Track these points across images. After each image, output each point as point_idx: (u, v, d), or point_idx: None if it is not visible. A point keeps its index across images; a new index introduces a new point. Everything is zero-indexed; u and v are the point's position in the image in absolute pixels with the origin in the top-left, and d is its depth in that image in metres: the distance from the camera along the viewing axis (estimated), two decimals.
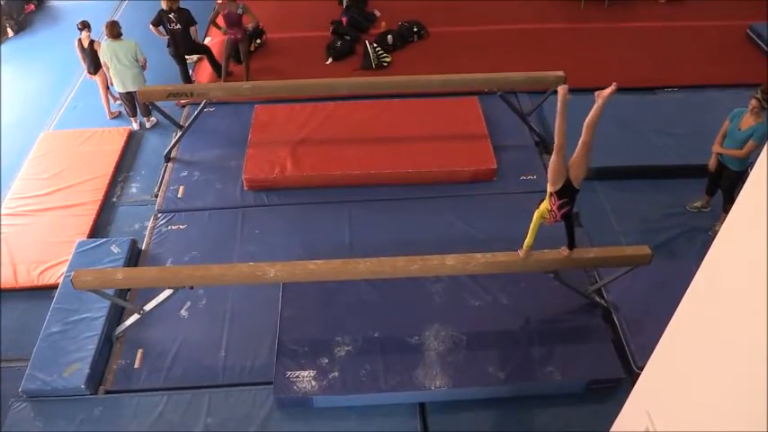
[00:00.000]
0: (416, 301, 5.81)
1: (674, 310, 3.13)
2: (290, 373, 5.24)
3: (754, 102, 5.87)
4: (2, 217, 7.02)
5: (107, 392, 5.40)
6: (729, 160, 6.20)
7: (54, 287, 6.14)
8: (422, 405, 5.26)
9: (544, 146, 7.84)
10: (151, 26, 8.44)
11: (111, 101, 8.71)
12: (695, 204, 6.88)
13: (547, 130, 7.98)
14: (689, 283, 2.97)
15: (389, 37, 9.75)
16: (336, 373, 5.25)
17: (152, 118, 8.49)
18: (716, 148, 6.29)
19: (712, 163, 6.41)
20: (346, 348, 5.44)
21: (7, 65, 10.07)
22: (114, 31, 7.77)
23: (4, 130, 8.55)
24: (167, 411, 5.18)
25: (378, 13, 10.58)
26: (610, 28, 10.25)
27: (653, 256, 5.23)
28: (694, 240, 6.55)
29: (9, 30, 10.79)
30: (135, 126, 8.49)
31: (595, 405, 5.17)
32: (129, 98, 8.18)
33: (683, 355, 3.11)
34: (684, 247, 6.50)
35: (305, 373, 5.24)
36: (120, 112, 8.76)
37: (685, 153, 7.39)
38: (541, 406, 5.23)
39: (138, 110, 8.38)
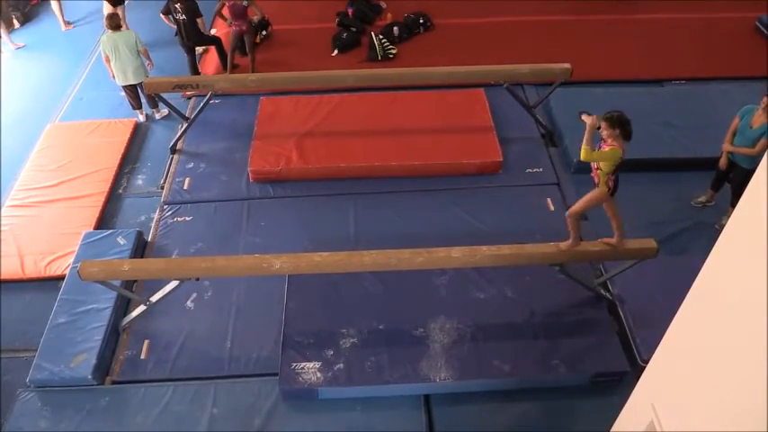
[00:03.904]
0: (422, 294, 5.81)
1: (680, 304, 3.13)
2: (295, 364, 5.26)
3: (766, 99, 5.78)
4: (9, 208, 7.06)
5: (114, 383, 5.43)
6: (740, 158, 6.10)
7: (61, 278, 6.18)
8: (426, 397, 5.27)
9: (550, 138, 7.82)
10: (161, 14, 8.45)
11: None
12: (699, 199, 6.84)
13: (553, 123, 7.96)
14: (695, 277, 2.97)
15: (395, 29, 9.72)
16: (341, 365, 5.27)
17: (162, 110, 8.46)
18: (726, 147, 6.18)
19: (723, 162, 6.30)
20: (351, 340, 5.46)
21: (13, 56, 10.08)
22: (113, 22, 7.75)
23: (11, 121, 8.58)
24: (173, 402, 5.21)
25: (384, 5, 10.54)
26: (617, 20, 10.19)
27: (659, 250, 5.22)
28: (701, 234, 6.52)
29: (15, 21, 10.79)
30: (141, 118, 8.48)
31: (600, 398, 5.17)
32: (133, 91, 8.18)
33: (689, 349, 3.11)
34: (691, 241, 6.48)
35: (310, 365, 5.26)
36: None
37: (692, 146, 7.35)
38: (546, 399, 5.24)
39: (142, 102, 8.38)
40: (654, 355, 3.50)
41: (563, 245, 5.17)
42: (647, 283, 5.72)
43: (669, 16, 10.21)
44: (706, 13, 10.21)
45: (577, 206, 5.01)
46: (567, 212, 5.06)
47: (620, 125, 4.60)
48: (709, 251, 2.82)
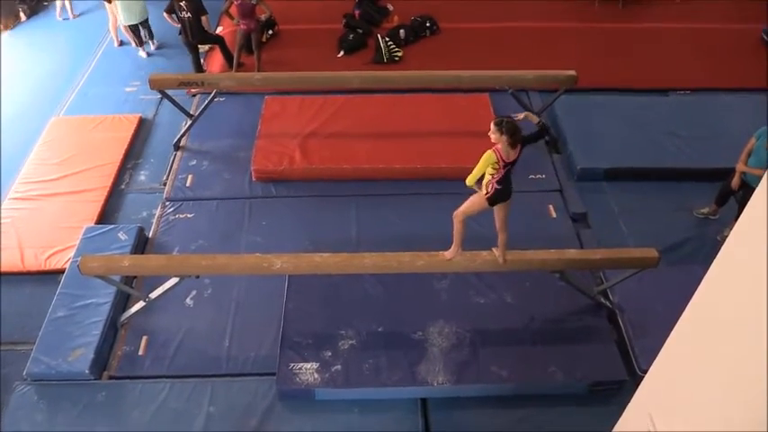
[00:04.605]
0: (421, 297, 5.81)
1: (680, 315, 3.12)
2: (293, 364, 5.26)
3: None
4: (11, 201, 7.06)
5: (111, 378, 5.43)
6: (752, 179, 5.97)
7: (61, 272, 6.18)
8: (423, 401, 5.26)
9: (554, 145, 7.81)
10: (164, 13, 8.47)
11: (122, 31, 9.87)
12: (702, 211, 6.80)
13: (557, 130, 7.95)
14: (695, 288, 2.96)
15: (401, 31, 9.72)
16: (339, 367, 5.26)
17: (155, 41, 9.90)
18: (740, 167, 6.10)
19: (735, 182, 6.21)
20: (350, 342, 5.45)
21: (19, 49, 10.11)
22: None
23: (15, 114, 8.59)
24: (170, 399, 5.20)
25: (390, 7, 10.55)
26: (623, 28, 10.19)
27: (660, 259, 5.21)
28: (703, 245, 6.50)
29: (22, 14, 10.82)
30: (143, 54, 9.71)
31: (597, 407, 5.16)
32: (136, 30, 9.53)
33: (688, 360, 3.10)
34: (692, 252, 6.46)
35: (308, 366, 5.25)
36: (122, 42, 10.08)
37: (696, 156, 7.35)
38: (543, 406, 5.23)
39: (143, 40, 9.72)
40: (653, 365, 3.49)
41: (447, 253, 5.11)
42: (648, 293, 5.71)
43: (675, 26, 10.21)
44: (712, 24, 10.21)
45: (461, 209, 4.90)
46: (453, 214, 4.98)
47: (509, 133, 4.50)
48: (711, 262, 2.81)
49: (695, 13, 10.52)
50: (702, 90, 8.75)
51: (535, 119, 4.87)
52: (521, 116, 4.77)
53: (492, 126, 4.52)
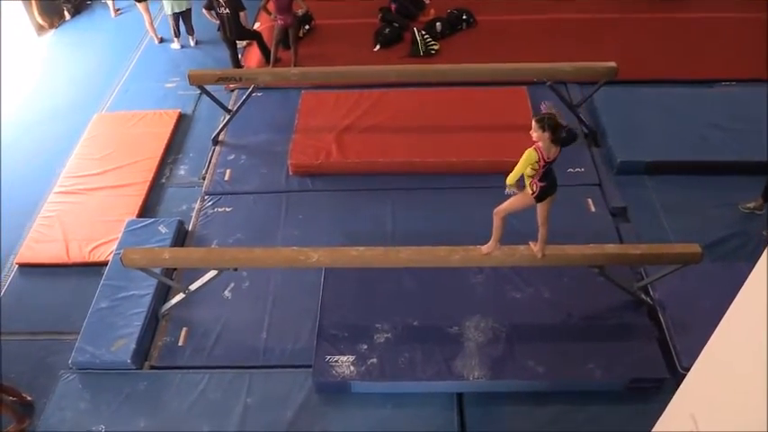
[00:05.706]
0: (457, 292, 5.78)
1: (724, 312, 3.04)
2: (329, 357, 5.29)
3: None
4: (56, 194, 7.28)
5: (152, 368, 5.56)
6: None
7: (104, 264, 6.33)
8: (459, 396, 5.24)
9: (593, 138, 7.69)
10: (203, 10, 8.58)
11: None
12: (748, 205, 6.62)
13: (597, 122, 7.82)
14: (741, 284, 2.88)
15: (438, 24, 9.67)
16: (375, 360, 5.28)
17: (194, 37, 10.07)
18: None
19: None
20: (385, 335, 5.46)
21: (64, 48, 10.37)
22: None
23: (60, 111, 8.82)
24: (209, 389, 5.30)
25: (427, 1, 10.49)
26: (665, 18, 9.93)
27: (703, 255, 5.09)
28: (748, 240, 6.33)
29: (66, 13, 11.08)
30: (176, 46, 9.95)
31: (637, 405, 5.08)
32: (176, 19, 9.72)
33: (733, 358, 3.03)
34: (737, 247, 6.29)
35: (344, 358, 5.28)
36: (162, 39, 10.25)
37: (741, 149, 7.14)
38: (580, 403, 5.16)
39: (180, 32, 9.91)
40: (695, 363, 3.41)
41: (484, 248, 5.05)
42: (690, 289, 5.58)
43: (719, 15, 9.89)
44: (757, 13, 9.86)
45: (503, 206, 4.80)
46: (494, 210, 4.88)
47: (551, 129, 4.33)
48: (757, 258, 2.73)
49: (740, 2, 10.19)
50: (748, 81, 8.49)
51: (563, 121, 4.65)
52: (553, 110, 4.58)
53: (533, 123, 4.40)
